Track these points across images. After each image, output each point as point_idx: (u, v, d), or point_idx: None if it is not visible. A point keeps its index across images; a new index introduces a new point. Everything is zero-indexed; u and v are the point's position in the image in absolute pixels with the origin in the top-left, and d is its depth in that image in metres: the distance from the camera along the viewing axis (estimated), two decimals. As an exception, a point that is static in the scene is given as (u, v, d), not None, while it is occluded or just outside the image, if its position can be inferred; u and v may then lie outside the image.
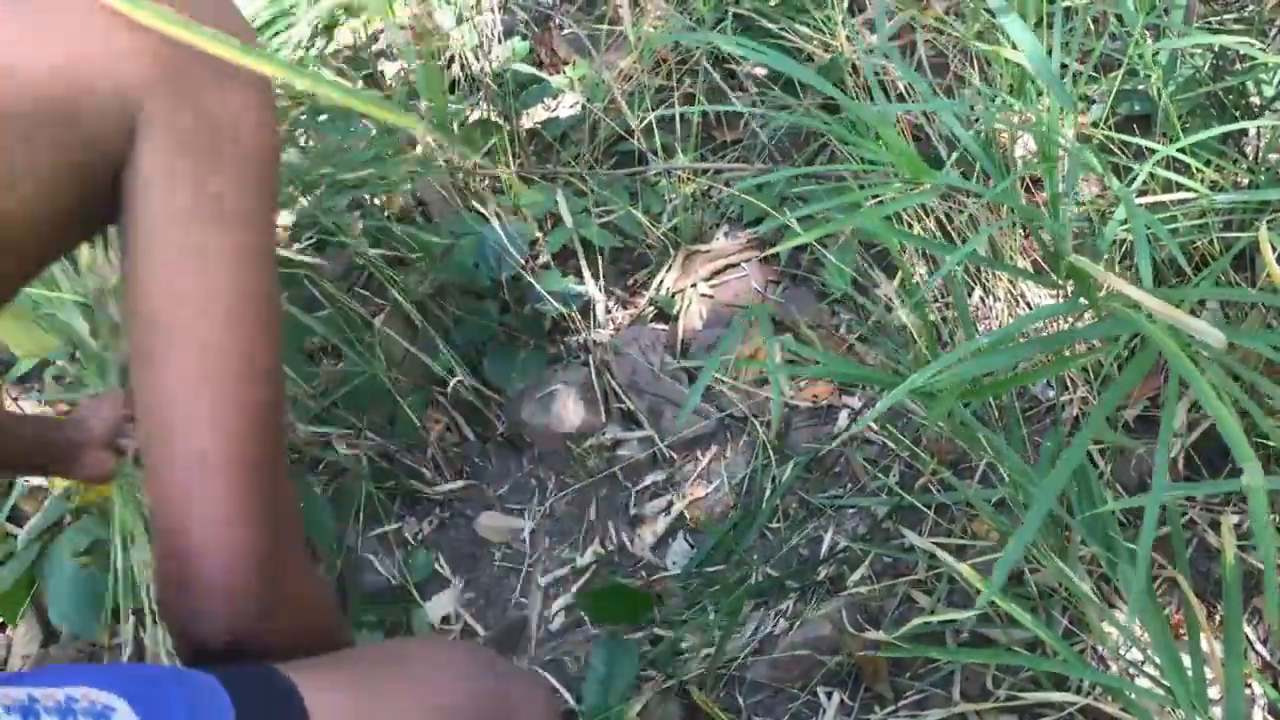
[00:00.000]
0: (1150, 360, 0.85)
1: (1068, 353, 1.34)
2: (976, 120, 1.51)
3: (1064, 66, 1.25)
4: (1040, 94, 1.22)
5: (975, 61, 1.69)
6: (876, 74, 1.66)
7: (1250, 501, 0.73)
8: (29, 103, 0.68)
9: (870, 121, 1.08)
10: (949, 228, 1.66)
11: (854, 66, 1.84)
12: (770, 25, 2.01)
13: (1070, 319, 1.19)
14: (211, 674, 0.78)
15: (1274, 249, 1.12)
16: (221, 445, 0.74)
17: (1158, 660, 1.06)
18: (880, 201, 1.70)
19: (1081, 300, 0.99)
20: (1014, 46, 1.12)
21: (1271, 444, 1.35)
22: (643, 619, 1.58)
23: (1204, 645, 1.04)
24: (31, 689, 0.71)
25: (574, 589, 1.70)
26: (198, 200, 0.73)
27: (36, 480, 1.75)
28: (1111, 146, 1.49)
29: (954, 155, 1.46)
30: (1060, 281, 1.08)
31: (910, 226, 1.65)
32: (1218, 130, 1.28)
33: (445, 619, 1.71)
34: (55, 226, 0.73)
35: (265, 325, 0.75)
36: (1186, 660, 1.04)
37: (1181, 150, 1.27)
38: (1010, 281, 1.63)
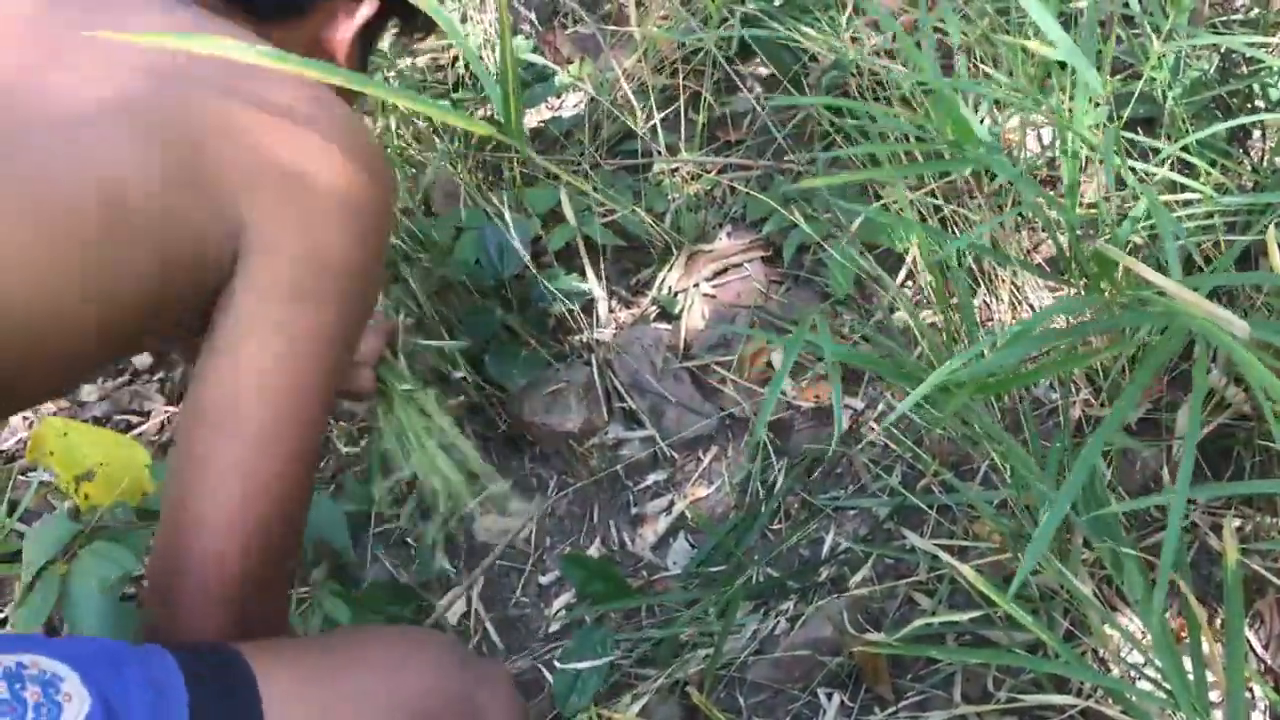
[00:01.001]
0: (1176, 346, 0.85)
1: (1080, 349, 1.33)
2: (983, 119, 1.50)
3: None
4: (1064, 89, 1.21)
5: (980, 63, 1.69)
6: (884, 70, 1.66)
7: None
8: (143, 199, 0.72)
9: (924, 80, 1.08)
10: (955, 231, 1.65)
11: (857, 67, 1.83)
12: (776, 26, 2.01)
13: (1090, 312, 1.19)
14: (171, 655, 0.80)
15: None
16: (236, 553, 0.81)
17: (1159, 663, 1.06)
18: (885, 206, 1.70)
19: (1102, 292, 0.99)
20: (1039, 41, 1.12)
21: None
22: (622, 598, 1.58)
23: (1205, 649, 1.04)
24: None
25: (574, 589, 1.70)
26: (282, 315, 0.79)
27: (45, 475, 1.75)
28: (1121, 148, 1.48)
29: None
30: (1072, 278, 1.08)
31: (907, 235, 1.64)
32: (1224, 125, 1.27)
33: (464, 617, 1.71)
34: (130, 332, 0.79)
35: (304, 450, 0.82)
36: (1188, 664, 1.04)
37: (1186, 150, 1.26)
38: (1014, 284, 1.63)
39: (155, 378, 2.12)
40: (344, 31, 0.87)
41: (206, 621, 0.83)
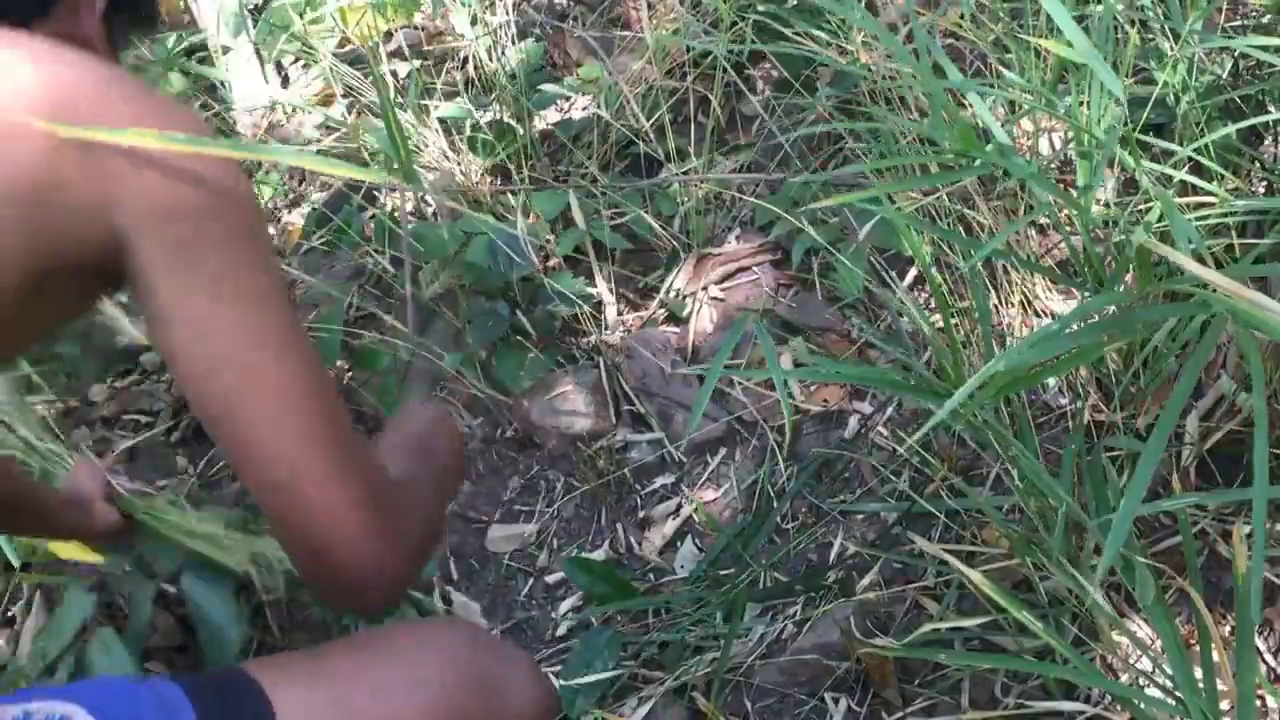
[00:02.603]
0: (1217, 336, 0.85)
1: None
2: (1005, 122, 1.50)
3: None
4: (1080, 90, 1.21)
5: (992, 67, 1.68)
6: (893, 78, 1.65)
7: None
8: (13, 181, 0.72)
9: (934, 90, 1.07)
10: (964, 233, 1.65)
11: (869, 70, 1.83)
12: (785, 30, 2.00)
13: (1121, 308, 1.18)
14: (176, 684, 0.83)
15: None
16: (305, 453, 0.80)
17: (1168, 670, 1.05)
18: (898, 207, 1.69)
19: (1123, 291, 0.99)
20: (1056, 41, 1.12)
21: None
22: (628, 601, 1.58)
23: (1215, 656, 1.03)
24: None
25: (581, 592, 1.69)
26: (200, 278, 0.78)
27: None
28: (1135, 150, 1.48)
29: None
30: (1087, 280, 1.07)
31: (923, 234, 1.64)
32: (1237, 127, 1.27)
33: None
34: (30, 300, 0.78)
35: (297, 343, 0.81)
36: (1198, 671, 1.03)
37: (1198, 151, 1.26)
38: (1025, 289, 1.62)
39: (164, 378, 2.12)
40: (88, 25, 0.87)
41: (377, 574, 0.81)
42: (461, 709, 0.89)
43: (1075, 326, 0.91)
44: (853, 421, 1.74)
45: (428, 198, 2.06)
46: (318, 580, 0.82)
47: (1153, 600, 1.09)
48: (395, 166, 0.87)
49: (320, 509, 0.79)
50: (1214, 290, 0.81)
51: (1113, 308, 0.99)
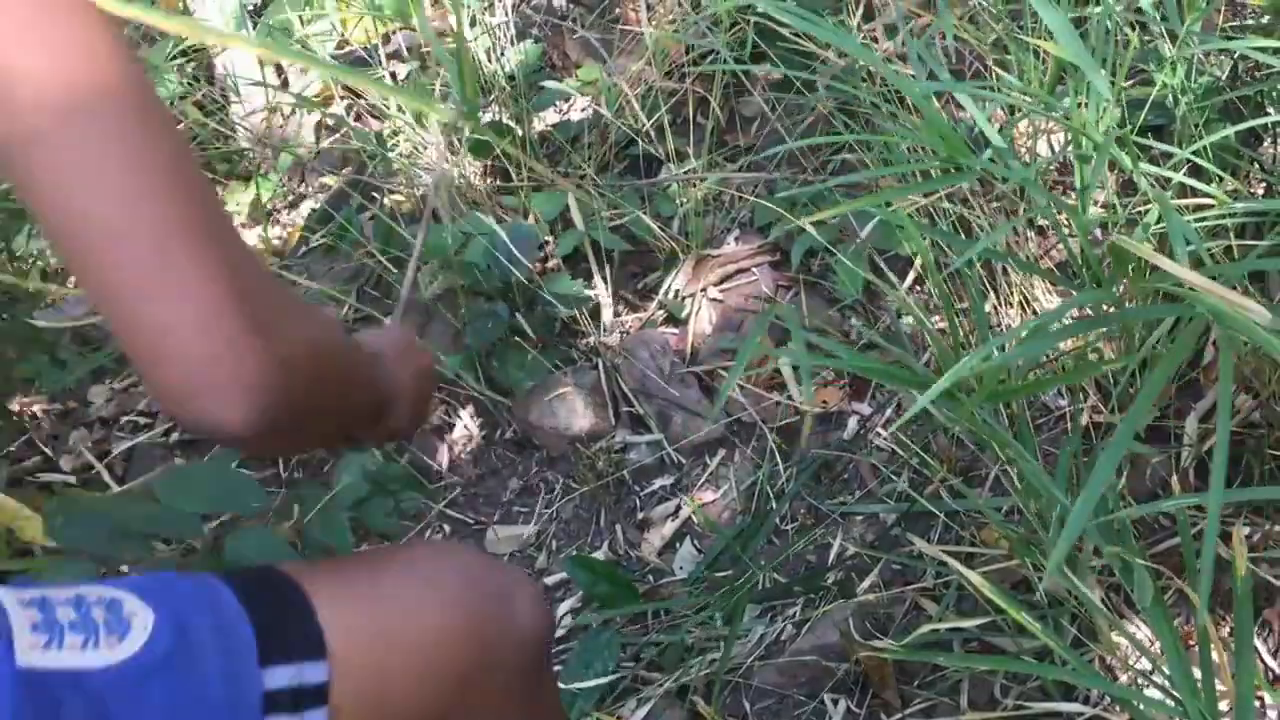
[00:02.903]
0: (1195, 335, 0.85)
1: (1093, 357, 1.33)
2: (1000, 125, 1.50)
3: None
4: (1077, 92, 1.21)
5: (989, 70, 1.68)
6: (894, 76, 1.65)
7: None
8: None
9: (916, 98, 1.07)
10: (963, 235, 1.65)
11: (869, 73, 1.83)
12: (783, 30, 2.00)
13: (1106, 307, 1.18)
14: (217, 578, 0.82)
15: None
16: (158, 222, 0.66)
17: (1167, 671, 1.05)
18: (893, 209, 1.69)
19: (1114, 291, 0.99)
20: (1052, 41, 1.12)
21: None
22: (628, 602, 1.58)
23: (1214, 657, 1.03)
24: (44, 590, 0.75)
25: (580, 592, 1.69)
26: None
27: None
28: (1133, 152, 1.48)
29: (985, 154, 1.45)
30: (1084, 281, 1.08)
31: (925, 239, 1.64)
32: (1236, 129, 1.27)
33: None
34: None
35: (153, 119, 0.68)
36: (1197, 672, 1.03)
37: (1197, 153, 1.26)
38: (1024, 290, 1.62)
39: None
40: None
41: (230, 374, 0.68)
42: (479, 618, 0.90)
43: (1060, 324, 0.91)
44: (852, 423, 1.74)
45: (428, 197, 2.07)
46: (158, 379, 0.68)
47: (1151, 601, 1.09)
48: (455, 105, 0.82)
49: (158, 281, 0.66)
50: (1190, 289, 0.81)
51: (1102, 306, 0.99)
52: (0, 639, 0.69)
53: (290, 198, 2.42)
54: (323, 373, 0.78)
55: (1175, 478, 1.41)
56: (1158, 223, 1.18)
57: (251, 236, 2.26)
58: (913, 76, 1.36)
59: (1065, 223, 1.31)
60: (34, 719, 0.68)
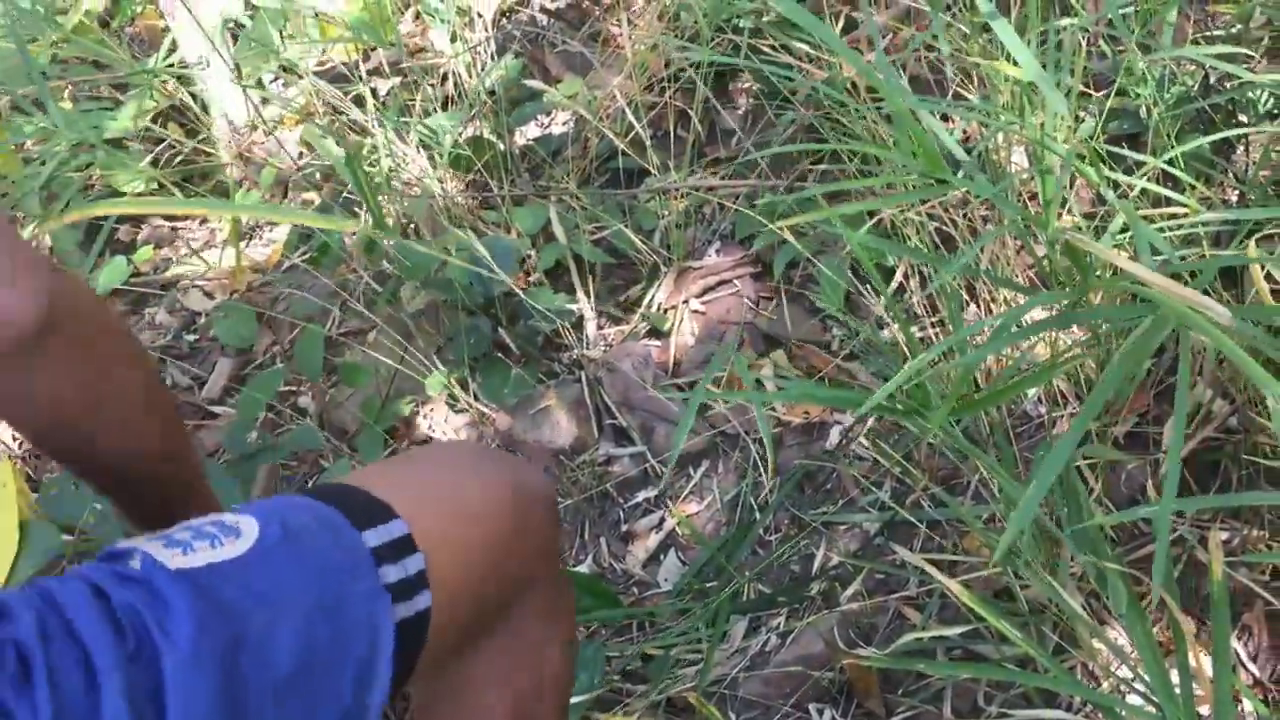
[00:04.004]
0: (1157, 334, 0.86)
1: (1062, 360, 1.34)
2: (971, 142, 1.51)
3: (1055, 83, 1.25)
4: (1038, 108, 1.22)
5: (972, 80, 1.70)
6: (880, 83, 1.67)
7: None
8: None
9: (897, 112, 1.09)
10: (942, 248, 1.66)
11: (853, 84, 1.84)
12: (763, 44, 2.01)
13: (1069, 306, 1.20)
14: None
15: (1262, 267, 1.13)
16: None
17: (1147, 677, 1.06)
18: (878, 221, 1.71)
19: (1081, 288, 1.00)
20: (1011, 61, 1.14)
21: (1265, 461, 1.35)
22: (612, 613, 1.58)
23: (1193, 662, 1.04)
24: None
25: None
26: None
27: None
28: (1102, 163, 1.49)
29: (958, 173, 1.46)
30: (1057, 292, 1.09)
31: (905, 242, 1.65)
32: (1208, 139, 1.28)
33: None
34: None
35: None
36: (1175, 677, 1.04)
37: (1170, 162, 1.27)
38: (1007, 301, 1.63)
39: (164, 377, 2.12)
40: None
41: (31, 263, 0.77)
42: (512, 488, 1.05)
43: (1018, 325, 0.92)
44: (834, 433, 1.75)
45: (406, 215, 2.07)
46: None
47: (1127, 606, 1.10)
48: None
49: None
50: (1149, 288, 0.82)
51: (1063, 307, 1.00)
52: (144, 559, 0.82)
53: (272, 214, 2.42)
54: (113, 336, 0.89)
55: (1153, 484, 1.42)
56: (1122, 231, 1.19)
57: (231, 255, 2.26)
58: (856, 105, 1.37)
59: (1032, 233, 1.33)
60: (202, 602, 0.80)
